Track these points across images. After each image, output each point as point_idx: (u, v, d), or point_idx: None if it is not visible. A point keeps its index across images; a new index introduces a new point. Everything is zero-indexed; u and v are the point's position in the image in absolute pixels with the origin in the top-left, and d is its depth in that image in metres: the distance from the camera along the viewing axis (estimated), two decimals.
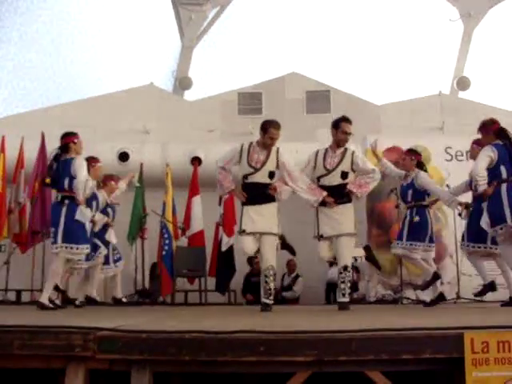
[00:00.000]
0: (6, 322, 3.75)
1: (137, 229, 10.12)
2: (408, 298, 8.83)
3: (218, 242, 10.07)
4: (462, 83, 14.43)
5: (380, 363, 3.28)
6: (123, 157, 11.27)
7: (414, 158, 7.68)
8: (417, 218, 7.50)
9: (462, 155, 9.50)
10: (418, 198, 7.62)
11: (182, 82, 14.49)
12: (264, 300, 6.30)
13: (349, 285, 6.53)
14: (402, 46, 15.03)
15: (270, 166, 6.44)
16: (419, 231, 7.52)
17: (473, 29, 14.94)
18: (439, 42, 15.20)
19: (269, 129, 6.42)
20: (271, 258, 6.34)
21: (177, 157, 11.23)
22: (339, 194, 6.55)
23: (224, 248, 9.81)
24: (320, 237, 6.59)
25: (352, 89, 13.41)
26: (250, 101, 12.95)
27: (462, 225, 8.62)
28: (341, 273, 6.50)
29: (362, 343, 3.22)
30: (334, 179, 6.60)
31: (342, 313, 6.09)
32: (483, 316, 5.30)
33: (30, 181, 10.15)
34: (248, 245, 6.36)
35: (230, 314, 6.29)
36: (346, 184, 6.58)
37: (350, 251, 6.71)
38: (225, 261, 9.84)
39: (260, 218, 6.34)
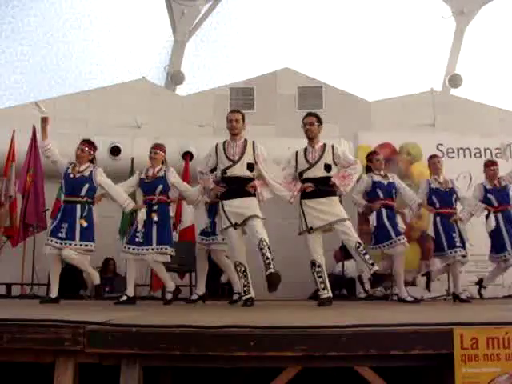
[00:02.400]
0: None
1: (127, 223, 10.10)
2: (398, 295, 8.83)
3: None
4: (454, 80, 14.46)
5: (369, 359, 3.29)
6: (114, 151, 11.23)
7: None
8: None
9: (454, 152, 9.52)
10: None
11: (174, 77, 14.46)
12: (269, 271, 6.10)
13: (367, 257, 6.43)
14: (394, 43, 15.03)
15: (248, 157, 6.50)
16: None
17: (465, 26, 14.97)
18: (431, 39, 15.20)
19: (227, 116, 6.67)
20: (261, 231, 6.24)
21: (168, 151, 11.11)
22: (323, 186, 6.55)
23: None
24: (310, 229, 6.53)
25: (344, 85, 13.43)
26: (242, 96, 12.95)
27: None
28: (358, 247, 6.41)
29: (352, 339, 3.23)
30: (318, 172, 6.60)
31: (331, 308, 6.10)
32: (473, 312, 5.33)
33: (21, 174, 10.12)
34: (238, 241, 6.38)
35: (220, 308, 6.29)
36: (331, 177, 6.58)
37: (354, 231, 6.59)
38: None
39: (241, 209, 6.36)
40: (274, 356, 3.22)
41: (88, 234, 7.09)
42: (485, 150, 9.46)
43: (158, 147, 7.61)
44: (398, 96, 13.11)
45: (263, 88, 13.04)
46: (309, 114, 6.84)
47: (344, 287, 9.66)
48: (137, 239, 7.11)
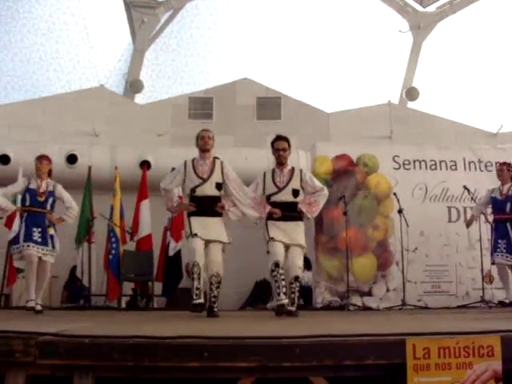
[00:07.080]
0: None
1: (84, 232, 9.97)
2: (354, 305, 8.91)
3: (165, 247, 10.01)
4: (411, 93, 14.69)
5: (324, 369, 3.30)
6: (71, 159, 11.09)
7: (510, 169, 8.23)
8: None
9: (410, 164, 9.62)
10: None
11: (133, 85, 14.38)
12: (210, 306, 6.27)
13: (298, 295, 6.56)
14: (352, 56, 15.19)
15: (216, 177, 6.50)
16: None
17: (422, 41, 15.25)
18: (389, 53, 15.42)
19: (199, 134, 6.65)
20: (218, 265, 6.35)
21: (126, 160, 11.11)
22: (290, 211, 6.60)
23: (172, 253, 9.77)
24: (271, 238, 6.51)
25: (302, 96, 13.51)
26: (200, 106, 12.94)
27: (407, 232, 8.77)
28: (291, 283, 6.51)
29: (306, 349, 3.23)
30: (286, 196, 6.66)
31: (287, 319, 6.11)
32: (425, 323, 5.39)
33: None
34: (199, 246, 6.32)
35: (175, 319, 6.25)
36: (297, 203, 6.64)
37: (301, 262, 6.71)
38: (172, 266, 9.77)
39: (207, 228, 6.36)
40: (227, 367, 3.21)
41: None
42: (440, 162, 9.59)
43: (47, 158, 7.69)
44: (356, 108, 13.26)
45: (222, 98, 13.05)
46: (280, 138, 6.81)
47: (301, 297, 9.68)
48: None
